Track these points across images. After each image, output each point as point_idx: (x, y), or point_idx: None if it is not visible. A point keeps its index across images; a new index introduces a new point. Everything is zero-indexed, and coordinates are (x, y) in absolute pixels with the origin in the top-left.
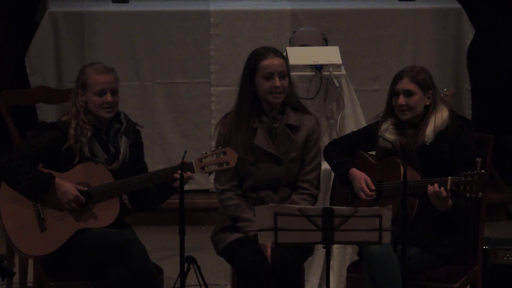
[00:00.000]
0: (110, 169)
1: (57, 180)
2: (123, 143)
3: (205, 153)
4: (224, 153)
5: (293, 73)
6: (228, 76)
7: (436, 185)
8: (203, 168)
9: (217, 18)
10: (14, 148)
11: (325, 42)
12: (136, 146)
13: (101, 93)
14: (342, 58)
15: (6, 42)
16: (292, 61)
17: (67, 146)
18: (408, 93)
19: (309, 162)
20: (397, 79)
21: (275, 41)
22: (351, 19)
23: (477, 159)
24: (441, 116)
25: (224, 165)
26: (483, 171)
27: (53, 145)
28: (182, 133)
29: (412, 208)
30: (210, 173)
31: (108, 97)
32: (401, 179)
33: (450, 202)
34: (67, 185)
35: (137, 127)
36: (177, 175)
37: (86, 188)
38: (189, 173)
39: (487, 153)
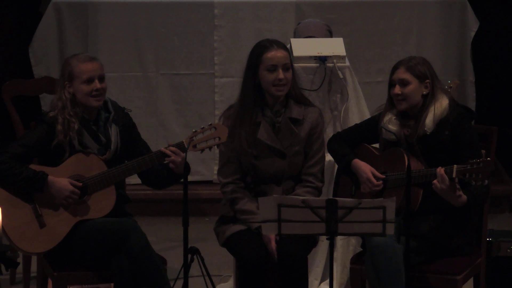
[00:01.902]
0: (104, 159)
1: (50, 178)
2: (113, 131)
3: (195, 131)
4: (215, 128)
5: (297, 65)
6: (232, 67)
7: (442, 169)
8: (195, 146)
9: (221, 9)
10: (3, 149)
11: (330, 34)
12: (127, 131)
13: (89, 80)
14: (346, 50)
15: (10, 33)
16: (296, 52)
17: (56, 142)
18: (403, 83)
19: (313, 155)
20: (393, 69)
21: (279, 33)
22: (355, 10)
23: (482, 151)
24: (440, 105)
25: (216, 140)
26: (489, 158)
27: (42, 141)
28: (186, 124)
29: (416, 199)
30: (202, 150)
31: (97, 84)
32: (405, 170)
33: (464, 197)
34: (61, 181)
35: (126, 111)
36: (165, 150)
37: (81, 184)
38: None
39: (491, 145)
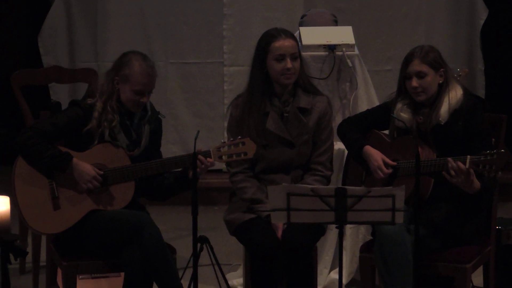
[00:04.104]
0: (131, 155)
1: (75, 160)
2: (146, 130)
3: (224, 141)
4: (243, 143)
5: (306, 53)
6: (241, 56)
7: (456, 162)
8: (220, 157)
9: None
10: (33, 125)
11: (336, 24)
12: (155, 134)
13: (140, 93)
14: (355, 38)
15: (19, 22)
16: (305, 41)
17: (89, 128)
18: (420, 75)
19: (322, 144)
20: (407, 61)
21: (287, 21)
22: None
23: (492, 139)
24: (455, 95)
25: (242, 156)
26: (503, 150)
27: (73, 124)
28: (195, 113)
29: (427, 188)
30: (227, 162)
31: (145, 98)
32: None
33: (477, 183)
34: (85, 165)
35: (159, 116)
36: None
37: (102, 172)
38: (210, 160)
39: (500, 133)
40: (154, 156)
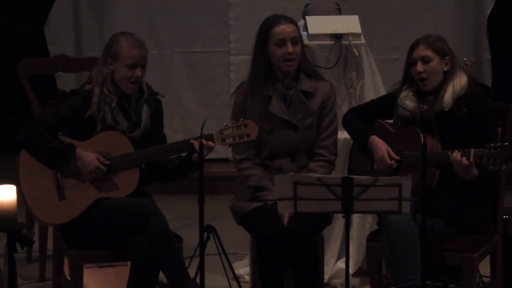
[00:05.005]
0: (132, 137)
1: (78, 150)
2: (145, 111)
3: (226, 125)
4: (246, 125)
5: (313, 42)
6: (247, 45)
7: (458, 154)
8: (223, 140)
9: None
10: (36, 117)
11: (339, 12)
12: (156, 115)
13: (132, 66)
14: (361, 27)
15: (26, 11)
16: (312, 30)
17: (89, 114)
18: (425, 60)
19: (325, 128)
20: (412, 47)
21: (294, 10)
22: None
23: (498, 129)
24: (459, 82)
25: (245, 138)
26: (506, 143)
27: (74, 112)
28: (201, 102)
29: (432, 179)
30: (230, 145)
31: (138, 72)
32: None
33: (475, 171)
34: (88, 155)
35: (158, 96)
36: (194, 141)
37: (108, 162)
38: (210, 142)
39: (507, 123)
40: (157, 138)
